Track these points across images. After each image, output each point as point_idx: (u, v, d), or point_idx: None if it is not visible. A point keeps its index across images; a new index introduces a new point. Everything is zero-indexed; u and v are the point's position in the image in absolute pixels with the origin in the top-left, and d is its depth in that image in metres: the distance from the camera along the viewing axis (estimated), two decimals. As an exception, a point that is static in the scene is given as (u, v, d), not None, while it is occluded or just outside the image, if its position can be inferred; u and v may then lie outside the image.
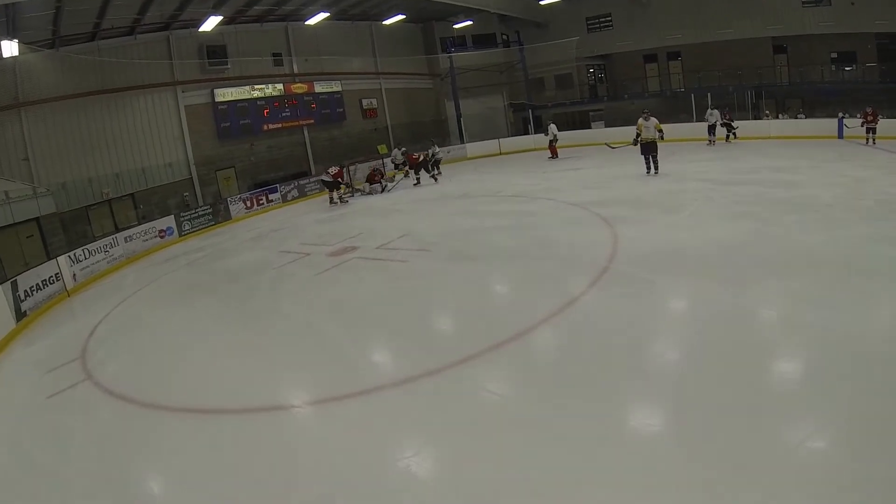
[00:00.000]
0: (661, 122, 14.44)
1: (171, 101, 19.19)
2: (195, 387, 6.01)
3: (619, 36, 28.27)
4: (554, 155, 21.25)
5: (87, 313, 9.91)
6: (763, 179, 12.21)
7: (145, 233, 15.13)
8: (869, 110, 15.83)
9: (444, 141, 25.44)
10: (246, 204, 18.67)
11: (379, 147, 25.55)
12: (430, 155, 19.31)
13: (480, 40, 29.15)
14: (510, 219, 11.97)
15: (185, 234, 16.28)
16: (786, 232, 8.06)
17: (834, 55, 24.67)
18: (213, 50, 20.26)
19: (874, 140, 15.56)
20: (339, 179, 17.86)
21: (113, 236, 14.15)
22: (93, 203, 16.49)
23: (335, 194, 17.79)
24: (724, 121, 19.45)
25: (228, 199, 18.43)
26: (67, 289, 11.51)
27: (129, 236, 14.57)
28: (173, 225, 16.13)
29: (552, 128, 22.08)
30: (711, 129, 19.45)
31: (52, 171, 15.79)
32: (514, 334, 5.79)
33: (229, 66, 20.63)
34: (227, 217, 17.93)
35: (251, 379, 5.90)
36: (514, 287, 7.82)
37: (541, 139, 25.71)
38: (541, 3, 26.14)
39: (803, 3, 24.06)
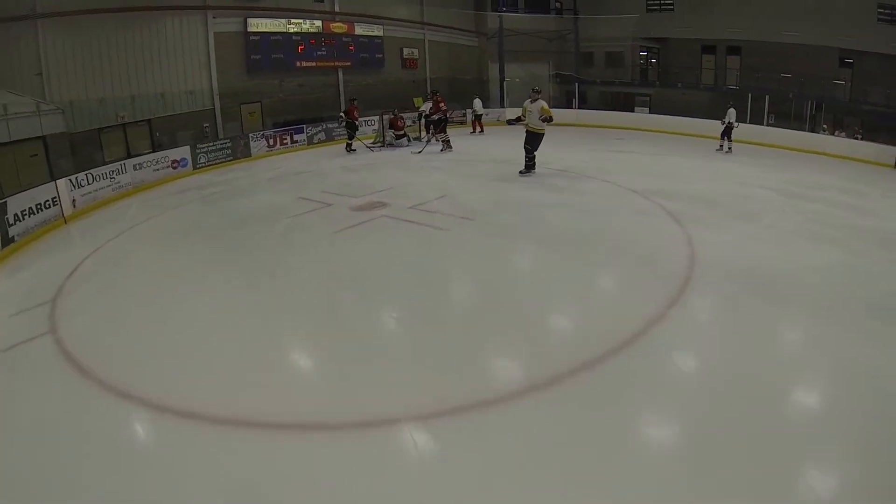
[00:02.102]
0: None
1: (200, 27, 17.87)
2: (171, 365, 4.93)
3: (679, 21, 26.59)
4: (475, 130, 21.61)
5: (77, 245, 9.04)
6: (831, 199, 11.04)
7: (157, 162, 14.14)
8: None
9: (484, 104, 24.10)
10: (268, 142, 17.67)
11: (415, 100, 24.34)
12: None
13: (533, 3, 27.58)
14: (565, 196, 10.87)
15: (199, 168, 15.31)
16: (881, 270, 6.87)
17: None
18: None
19: None
20: (354, 119, 17.11)
21: (121, 162, 13.16)
22: (105, 126, 15.27)
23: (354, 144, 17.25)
24: (734, 124, 17.17)
25: (251, 135, 17.41)
26: (65, 215, 10.56)
27: (140, 164, 13.59)
28: (188, 156, 15.15)
29: (477, 103, 22.48)
30: (727, 131, 17.08)
31: (66, 89, 14.54)
32: (584, 363, 4.57)
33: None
34: (246, 154, 16.94)
35: (241, 357, 4.99)
36: (584, 288, 6.63)
37: (585, 115, 24.64)
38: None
39: (879, 17, 22.15)
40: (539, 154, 12.51)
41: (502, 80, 26.28)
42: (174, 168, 14.62)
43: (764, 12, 24.17)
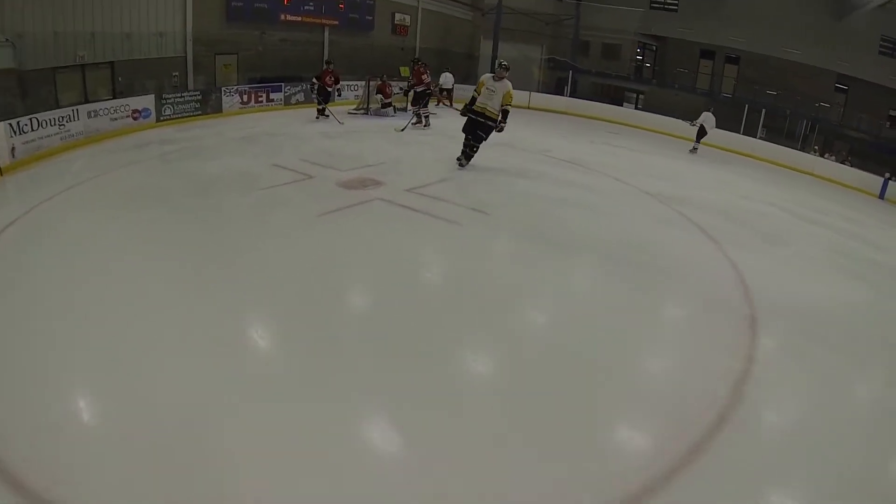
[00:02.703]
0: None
1: (179, -37, 16.33)
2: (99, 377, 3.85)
3: (682, 22, 25.93)
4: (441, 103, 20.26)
5: (6, 205, 7.49)
6: (838, 227, 10.67)
7: (115, 111, 12.56)
8: None
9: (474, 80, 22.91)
10: (242, 98, 16.19)
11: (402, 69, 23.11)
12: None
13: (535, -16, 26.40)
14: (574, 191, 9.91)
15: (163, 120, 13.81)
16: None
17: (893, 112, 23.32)
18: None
19: None
20: (326, 85, 15.85)
21: (73, 108, 11.50)
22: (61, 66, 13.23)
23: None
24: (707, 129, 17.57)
25: (223, 89, 15.92)
26: (0, 166, 8.99)
27: (95, 111, 11.99)
28: (151, 107, 13.61)
29: (447, 77, 21.35)
30: (701, 133, 17.61)
31: (17, 18, 12.36)
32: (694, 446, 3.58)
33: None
34: (217, 109, 15.47)
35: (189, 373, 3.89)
36: (652, 330, 5.40)
37: (576, 104, 23.75)
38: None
39: (880, 51, 22.37)
40: (533, 137, 11.59)
41: (494, 58, 24.99)
42: (135, 119, 13.13)
43: (768, 26, 23.86)
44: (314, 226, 7.10)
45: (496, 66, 10.39)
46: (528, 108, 23.37)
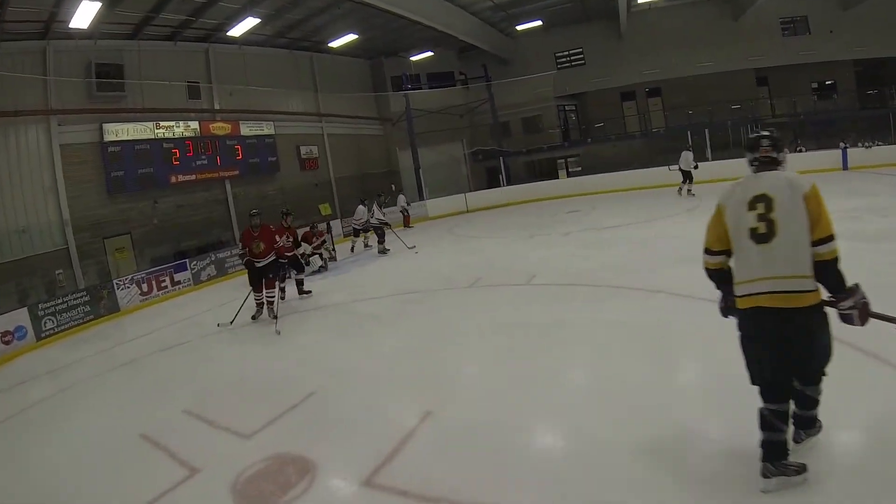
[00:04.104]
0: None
1: (42, 137, 13.34)
2: None
3: (593, 72, 25.31)
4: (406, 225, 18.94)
5: None
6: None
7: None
8: None
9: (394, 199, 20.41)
10: (141, 288, 12.59)
11: (321, 207, 20.47)
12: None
13: (437, 78, 24.83)
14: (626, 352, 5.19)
15: (44, 338, 10.17)
16: None
17: (814, 85, 24.20)
18: (105, 69, 14.52)
19: None
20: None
21: None
22: None
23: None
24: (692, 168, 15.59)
25: (116, 281, 12.23)
26: None
27: None
28: (27, 323, 10.07)
29: (402, 199, 19.72)
30: (688, 176, 15.50)
31: None
32: None
33: (126, 95, 15.01)
34: (112, 308, 11.79)
35: None
36: None
37: (516, 191, 21.53)
38: (517, 28, 22.37)
39: (784, 33, 23.07)
40: (494, 253, 8.92)
41: (417, 167, 22.83)
42: (6, 343, 9.58)
43: (674, 50, 23.75)
44: None
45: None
46: (468, 211, 21.17)
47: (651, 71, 24.43)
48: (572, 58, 25.58)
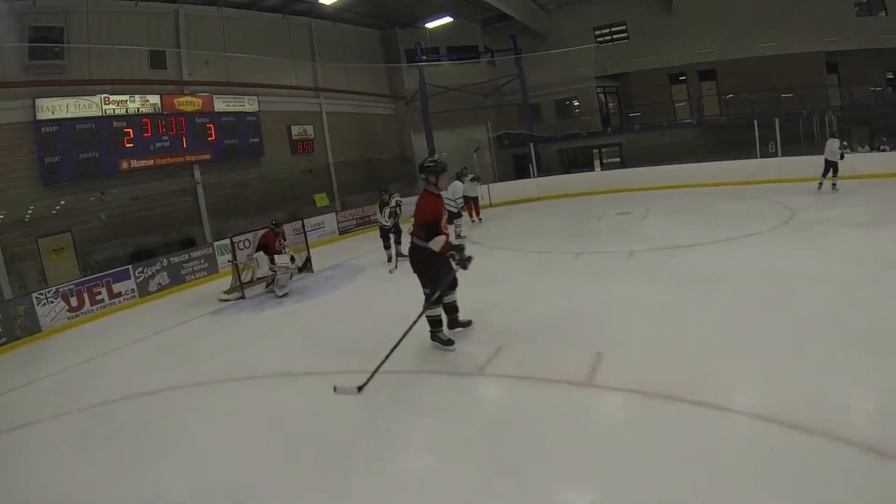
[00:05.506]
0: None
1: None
2: None
3: (637, 51, 22.03)
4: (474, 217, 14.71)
5: None
6: None
7: None
8: None
9: (410, 188, 17.51)
10: (70, 303, 9.99)
11: (316, 197, 17.65)
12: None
13: (459, 52, 21.65)
14: None
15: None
16: None
17: (890, 75, 20.63)
18: (42, 33, 11.86)
19: None
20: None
21: None
22: None
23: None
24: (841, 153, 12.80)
25: (35, 295, 9.60)
26: None
27: None
28: None
29: (459, 185, 13.34)
30: (832, 166, 12.68)
31: None
32: None
33: (66, 63, 12.30)
34: (32, 329, 9.27)
35: None
36: None
37: (547, 184, 18.37)
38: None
39: (857, 14, 19.54)
40: (536, 300, 6.82)
41: (432, 152, 19.65)
42: None
43: (732, 27, 20.52)
44: None
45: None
46: (490, 205, 17.67)
47: (705, 50, 21.14)
48: (614, 33, 22.29)
